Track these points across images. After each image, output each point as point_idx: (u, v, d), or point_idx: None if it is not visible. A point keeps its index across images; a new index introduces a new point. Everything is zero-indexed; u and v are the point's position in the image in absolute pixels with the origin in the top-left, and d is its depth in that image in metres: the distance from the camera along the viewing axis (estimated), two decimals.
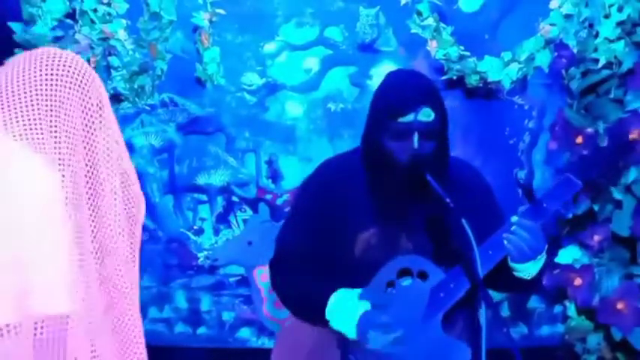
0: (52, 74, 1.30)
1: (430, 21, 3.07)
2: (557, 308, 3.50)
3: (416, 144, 1.91)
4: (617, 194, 2.82)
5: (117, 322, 1.39)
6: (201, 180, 3.59)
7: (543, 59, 3.07)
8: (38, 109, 1.27)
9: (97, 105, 1.36)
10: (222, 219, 3.60)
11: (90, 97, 1.35)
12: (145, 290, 3.57)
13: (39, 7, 2.89)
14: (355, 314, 1.90)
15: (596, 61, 2.89)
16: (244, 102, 3.55)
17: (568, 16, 2.97)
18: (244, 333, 3.59)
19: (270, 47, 3.54)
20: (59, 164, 1.26)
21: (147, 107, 3.46)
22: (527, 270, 1.96)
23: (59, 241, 1.23)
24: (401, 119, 1.91)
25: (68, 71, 1.32)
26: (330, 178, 2.08)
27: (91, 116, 1.34)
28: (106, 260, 1.32)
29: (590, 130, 2.89)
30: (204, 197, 3.60)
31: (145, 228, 3.56)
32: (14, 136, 1.24)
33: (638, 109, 2.82)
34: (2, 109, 1.26)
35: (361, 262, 1.98)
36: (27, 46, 2.88)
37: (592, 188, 2.92)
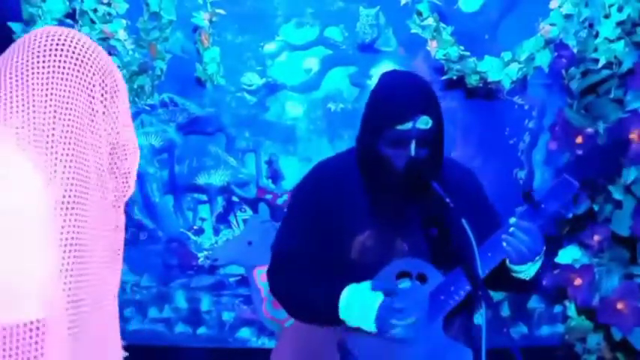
0: (46, 55, 1.18)
1: (430, 21, 3.07)
2: (557, 308, 3.50)
3: (413, 152, 1.91)
4: (617, 194, 2.81)
5: (97, 322, 1.26)
6: (201, 180, 3.59)
7: (543, 59, 3.06)
8: (33, 95, 1.16)
9: (101, 86, 1.22)
10: (222, 219, 3.60)
11: (92, 79, 1.21)
12: (145, 290, 3.57)
13: (39, 7, 2.89)
14: (373, 306, 1.90)
15: (596, 61, 2.89)
16: (244, 102, 3.56)
17: (568, 16, 2.97)
18: (244, 333, 3.59)
19: (270, 47, 3.54)
20: (53, 160, 1.14)
21: (147, 107, 3.47)
22: (525, 271, 1.96)
23: (42, 246, 1.12)
24: (398, 127, 1.90)
25: (67, 51, 1.19)
26: (325, 180, 2.07)
27: (93, 99, 1.21)
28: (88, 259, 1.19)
29: (590, 130, 2.89)
30: (204, 197, 3.60)
31: (144, 228, 3.58)
32: (15, 128, 1.14)
33: (638, 109, 2.81)
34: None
35: (357, 265, 1.98)
36: None
37: (592, 188, 2.92)
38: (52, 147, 1.15)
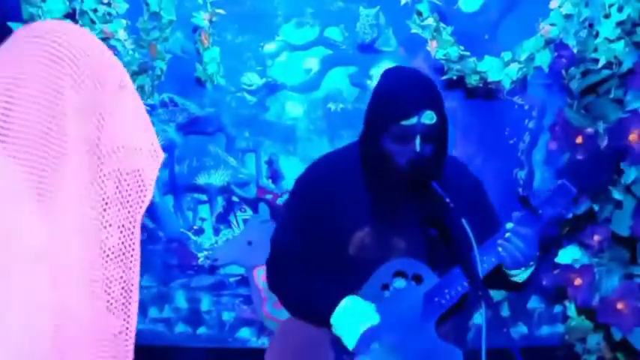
0: (18, 46, 1.10)
1: (430, 21, 3.06)
2: (557, 308, 3.50)
3: (418, 147, 1.91)
4: (617, 194, 2.81)
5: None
6: (201, 180, 3.59)
7: (543, 59, 3.06)
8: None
9: (74, 79, 1.11)
10: (222, 219, 3.60)
11: (63, 72, 1.10)
12: (145, 290, 3.57)
13: (39, 7, 2.89)
14: (362, 326, 1.91)
15: (596, 61, 2.89)
16: (244, 102, 3.56)
17: (568, 16, 2.97)
18: (244, 333, 3.59)
19: (270, 47, 3.54)
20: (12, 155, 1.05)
21: (147, 107, 3.46)
22: (518, 275, 1.97)
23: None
24: (403, 122, 1.90)
25: (36, 40, 1.10)
26: (326, 174, 2.08)
27: (62, 95, 1.09)
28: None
29: (590, 130, 2.89)
30: (204, 197, 3.60)
31: (144, 228, 3.58)
32: None
33: (638, 109, 2.81)
34: None
35: (355, 262, 1.98)
36: None
37: (592, 188, 2.92)
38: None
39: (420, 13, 3.08)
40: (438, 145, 1.95)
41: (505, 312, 3.53)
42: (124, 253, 1.24)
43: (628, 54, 2.85)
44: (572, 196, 1.96)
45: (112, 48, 3.00)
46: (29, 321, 1.07)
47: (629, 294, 2.79)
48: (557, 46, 3.01)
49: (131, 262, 1.25)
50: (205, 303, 3.59)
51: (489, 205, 2.13)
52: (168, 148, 3.58)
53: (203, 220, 3.60)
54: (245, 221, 3.58)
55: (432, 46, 3.12)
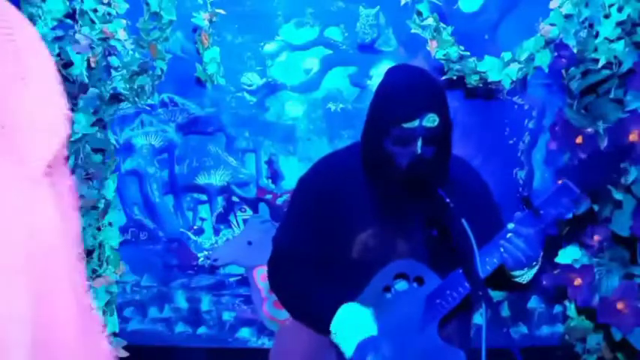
0: None
1: (430, 21, 3.06)
2: (557, 308, 3.50)
3: (419, 150, 1.89)
4: (617, 194, 2.81)
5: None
6: (201, 180, 3.59)
7: (543, 59, 3.06)
8: None
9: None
10: (222, 219, 3.60)
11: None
12: (145, 290, 3.57)
13: (39, 7, 2.89)
14: (359, 337, 1.90)
15: (596, 61, 2.89)
16: (244, 102, 3.56)
17: (568, 16, 2.97)
18: (244, 333, 3.59)
19: (270, 47, 3.54)
20: None
21: (147, 107, 3.46)
22: (522, 276, 1.96)
23: None
24: (405, 125, 1.88)
25: None
26: (327, 176, 2.06)
27: None
28: None
29: (590, 130, 2.89)
30: (204, 197, 3.60)
31: (145, 228, 3.58)
32: None
33: (638, 109, 2.81)
34: None
35: (358, 263, 1.97)
36: None
37: (592, 188, 2.92)
38: None
39: (420, 13, 3.08)
40: (440, 148, 1.93)
41: (505, 312, 3.53)
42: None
43: (628, 54, 2.86)
44: (574, 196, 1.95)
45: (112, 48, 3.00)
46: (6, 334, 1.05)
47: (629, 294, 2.79)
48: (557, 46, 3.01)
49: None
50: (205, 303, 3.59)
51: (496, 207, 2.12)
52: (168, 148, 3.58)
53: (203, 220, 3.60)
54: (245, 221, 3.58)
55: (432, 46, 3.12)
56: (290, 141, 3.57)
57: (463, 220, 1.78)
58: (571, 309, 3.05)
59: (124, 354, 3.11)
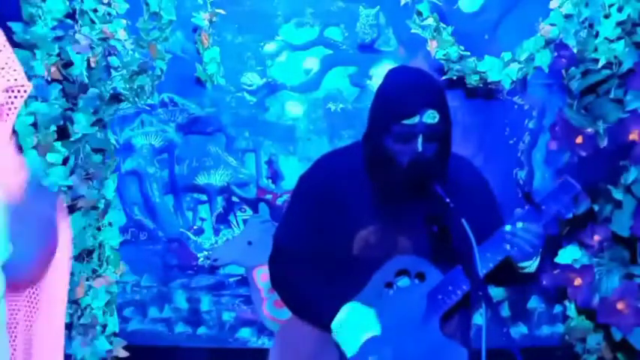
0: None
1: (430, 21, 3.07)
2: (557, 308, 3.50)
3: (420, 147, 1.90)
4: (617, 194, 2.82)
5: None
6: (201, 180, 3.59)
7: (543, 59, 3.06)
8: None
9: None
10: (222, 219, 3.60)
11: None
12: (145, 290, 3.57)
13: (39, 7, 2.89)
14: (362, 337, 1.91)
15: (596, 61, 2.89)
16: (244, 102, 3.55)
17: (568, 16, 2.97)
18: (244, 333, 3.59)
19: (270, 47, 3.54)
20: None
21: (147, 107, 3.46)
22: (529, 266, 1.98)
23: None
24: (405, 121, 1.89)
25: None
26: (329, 173, 2.07)
27: None
28: None
29: (590, 130, 2.89)
30: (204, 197, 3.60)
31: (145, 228, 3.58)
32: None
33: (638, 109, 2.82)
34: None
35: (359, 260, 1.98)
36: (27, 46, 2.88)
37: (592, 188, 2.92)
38: None
39: (420, 13, 3.09)
40: (441, 145, 1.94)
41: (505, 312, 3.53)
42: None
43: (628, 54, 2.86)
44: (575, 192, 1.97)
45: (112, 48, 3.00)
46: None
47: (629, 294, 2.80)
48: (557, 46, 3.02)
49: None
50: (205, 303, 3.59)
51: (497, 206, 2.13)
52: (168, 148, 3.58)
53: (203, 220, 3.60)
54: (245, 221, 3.58)
55: (432, 46, 3.13)
56: (290, 141, 3.57)
57: (463, 220, 1.78)
58: (571, 309, 3.05)
59: (124, 354, 3.11)
